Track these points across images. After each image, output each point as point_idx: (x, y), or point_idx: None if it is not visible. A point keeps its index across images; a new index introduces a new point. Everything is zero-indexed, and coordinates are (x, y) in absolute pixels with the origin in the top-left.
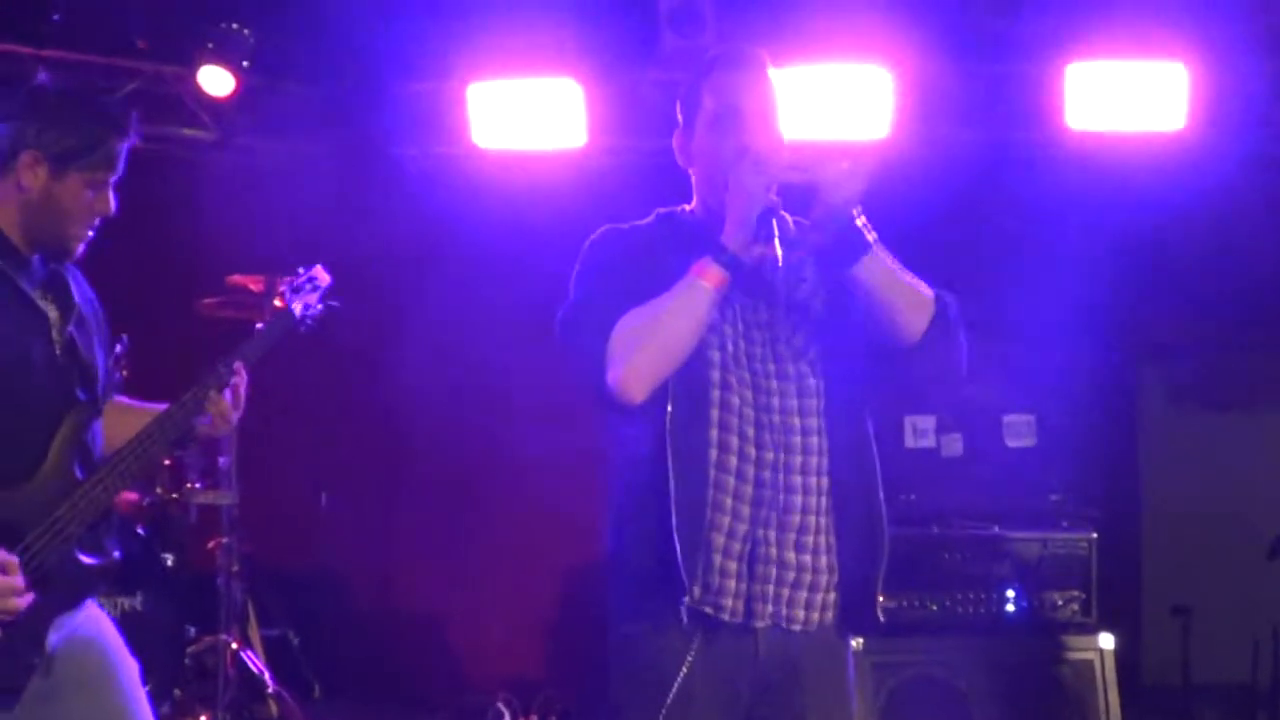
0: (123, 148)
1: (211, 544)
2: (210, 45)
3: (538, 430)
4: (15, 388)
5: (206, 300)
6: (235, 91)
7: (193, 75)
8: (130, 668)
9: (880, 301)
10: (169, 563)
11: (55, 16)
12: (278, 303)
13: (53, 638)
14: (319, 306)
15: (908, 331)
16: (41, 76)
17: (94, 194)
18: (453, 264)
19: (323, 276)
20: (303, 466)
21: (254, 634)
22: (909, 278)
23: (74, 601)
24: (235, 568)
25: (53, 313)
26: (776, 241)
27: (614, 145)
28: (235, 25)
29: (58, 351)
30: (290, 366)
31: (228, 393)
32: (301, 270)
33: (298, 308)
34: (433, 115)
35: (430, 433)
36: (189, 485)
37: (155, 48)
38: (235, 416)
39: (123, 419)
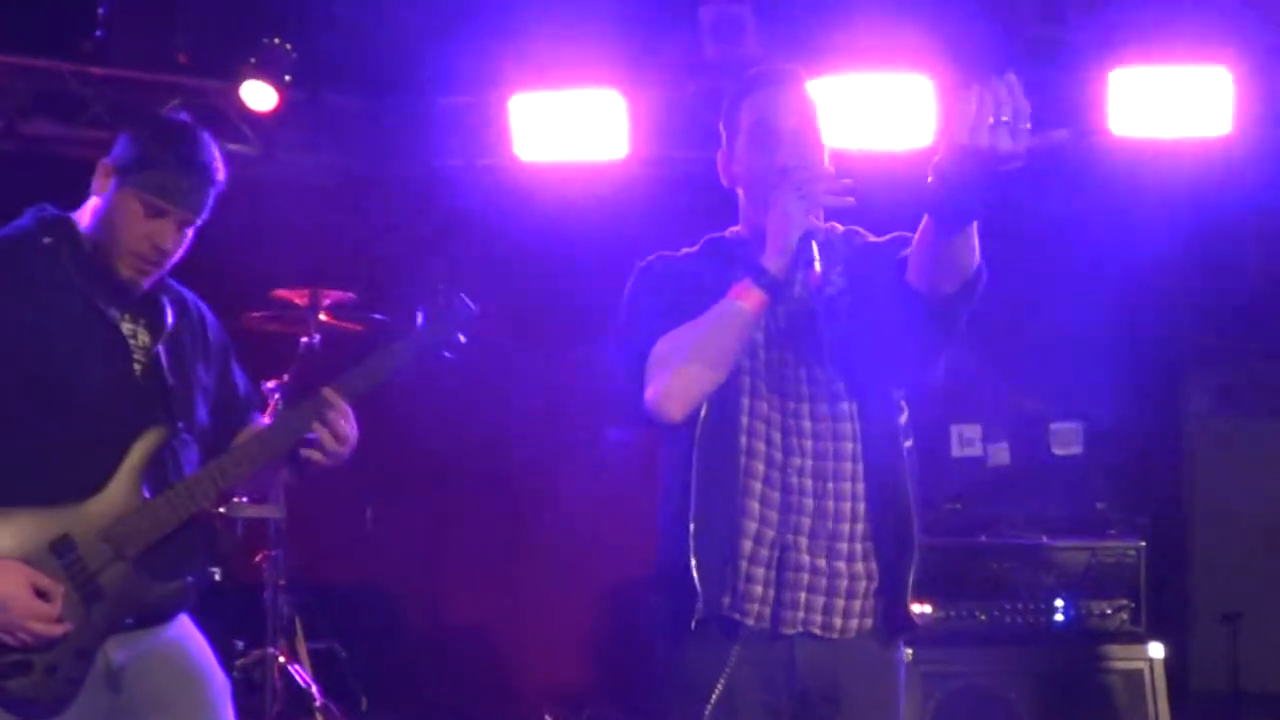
0: (189, 181)
1: (258, 557)
2: (253, 60)
3: (584, 444)
4: (80, 406)
5: (251, 314)
6: (278, 106)
7: (235, 90)
8: (220, 686)
9: (954, 254)
10: (216, 576)
11: (99, 33)
12: (408, 328)
13: (120, 655)
14: (461, 340)
15: (947, 284)
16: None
17: (149, 219)
18: (495, 275)
19: (466, 305)
20: (349, 481)
21: (301, 647)
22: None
23: (139, 621)
24: (282, 581)
25: (140, 335)
26: (817, 263)
27: (655, 156)
28: (277, 40)
29: (138, 372)
30: (333, 379)
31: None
32: (440, 295)
33: (431, 338)
34: (475, 127)
35: (476, 447)
36: (236, 499)
37: (198, 63)
38: (343, 444)
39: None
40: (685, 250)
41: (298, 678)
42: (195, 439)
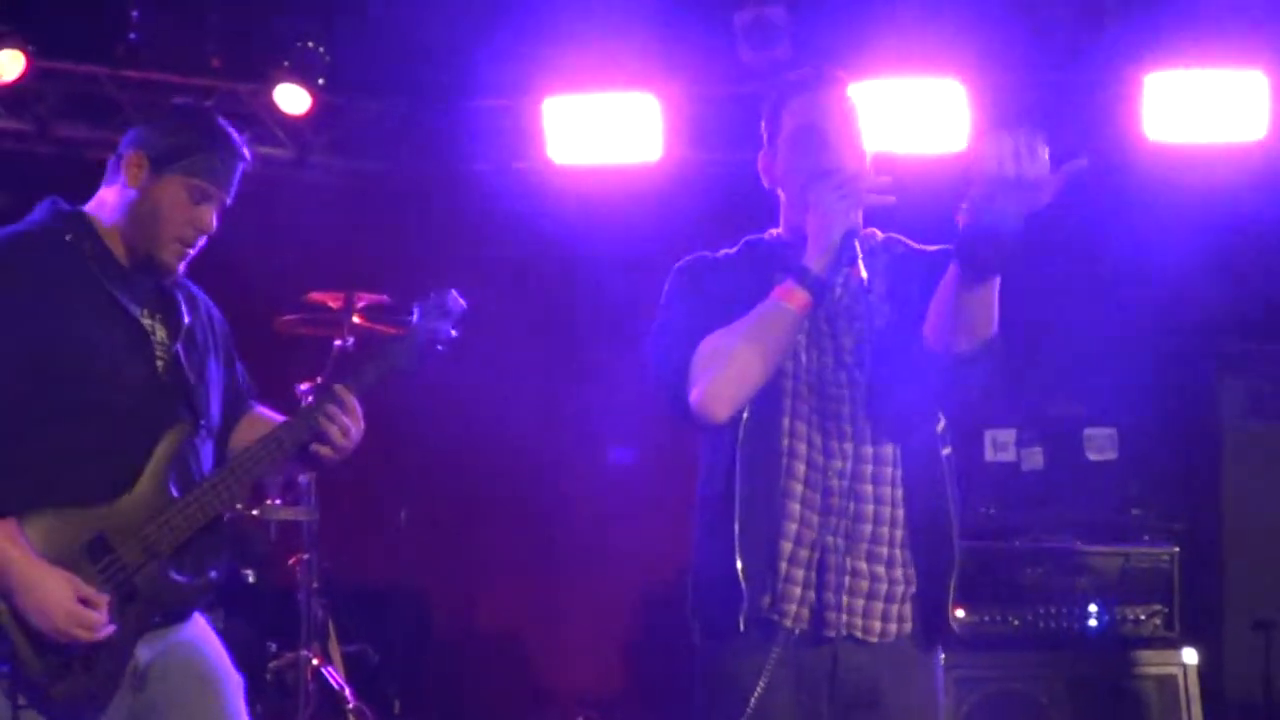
0: (229, 163)
1: (292, 560)
2: (286, 63)
3: (618, 446)
4: (111, 404)
5: (285, 317)
6: (311, 109)
7: (269, 93)
8: (234, 685)
9: (973, 312)
10: (250, 579)
11: (132, 35)
12: (405, 324)
13: (144, 653)
14: (451, 333)
15: (961, 343)
16: (177, 100)
17: (195, 204)
18: (529, 277)
19: (456, 301)
20: (383, 483)
21: (334, 650)
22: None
23: (164, 618)
24: (315, 584)
25: (159, 331)
26: (861, 264)
27: (689, 158)
28: (310, 43)
29: (160, 369)
30: (386, 381)
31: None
32: (433, 294)
33: (426, 334)
34: (509, 130)
35: (510, 450)
36: (269, 501)
37: (231, 66)
38: (351, 437)
39: (254, 432)
40: (724, 251)
41: (331, 680)
42: (211, 434)
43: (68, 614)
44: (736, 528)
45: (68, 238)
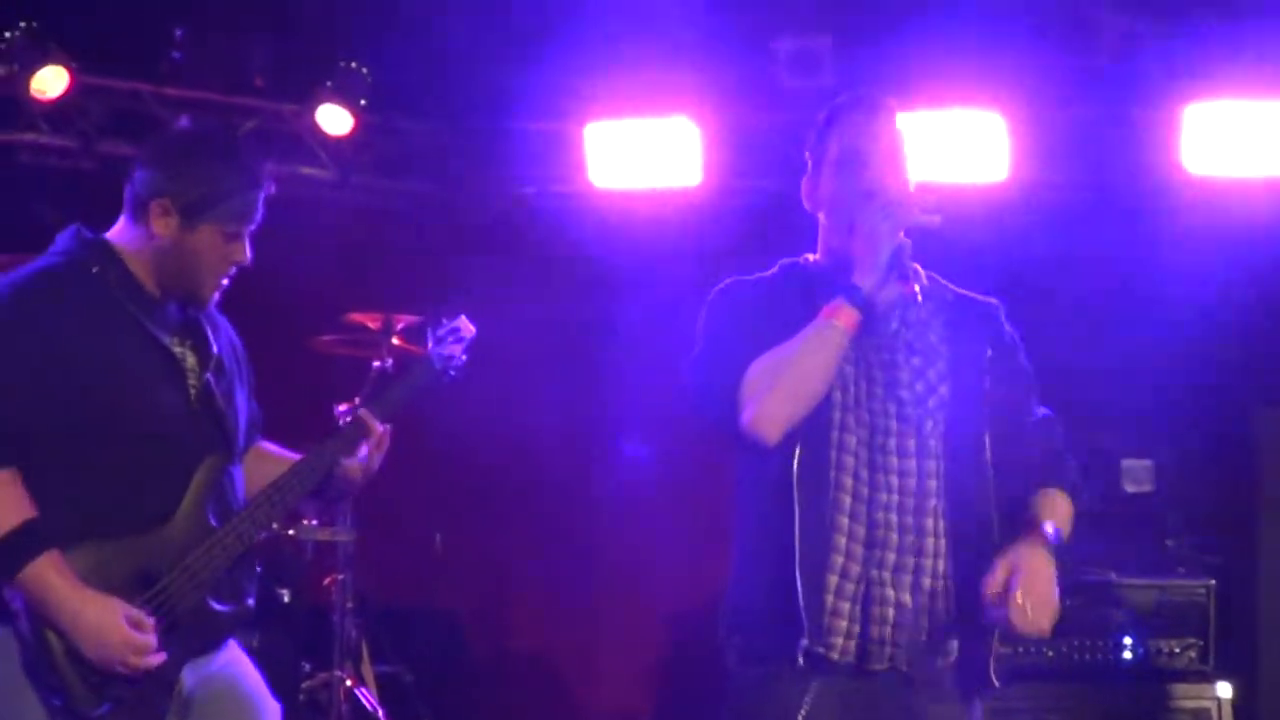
0: (258, 196)
1: (327, 581)
2: (329, 84)
3: (651, 470)
4: (148, 434)
5: (324, 337)
6: (353, 130)
7: (311, 114)
8: (272, 711)
9: None
10: (285, 599)
11: (176, 54)
12: (420, 351)
13: (187, 681)
14: (462, 358)
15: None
16: (182, 122)
17: (229, 243)
18: (568, 301)
19: (467, 327)
20: (418, 505)
21: (367, 671)
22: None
23: (206, 647)
24: (350, 605)
25: (189, 359)
26: (911, 278)
27: (728, 185)
28: (354, 64)
29: (192, 398)
30: (406, 405)
31: (364, 443)
32: (445, 320)
33: (440, 359)
34: (551, 154)
35: (544, 472)
36: (305, 522)
37: (274, 86)
38: (373, 465)
39: (261, 466)
40: (761, 275)
41: (364, 701)
42: (240, 462)
43: (120, 640)
44: (797, 562)
45: (94, 269)
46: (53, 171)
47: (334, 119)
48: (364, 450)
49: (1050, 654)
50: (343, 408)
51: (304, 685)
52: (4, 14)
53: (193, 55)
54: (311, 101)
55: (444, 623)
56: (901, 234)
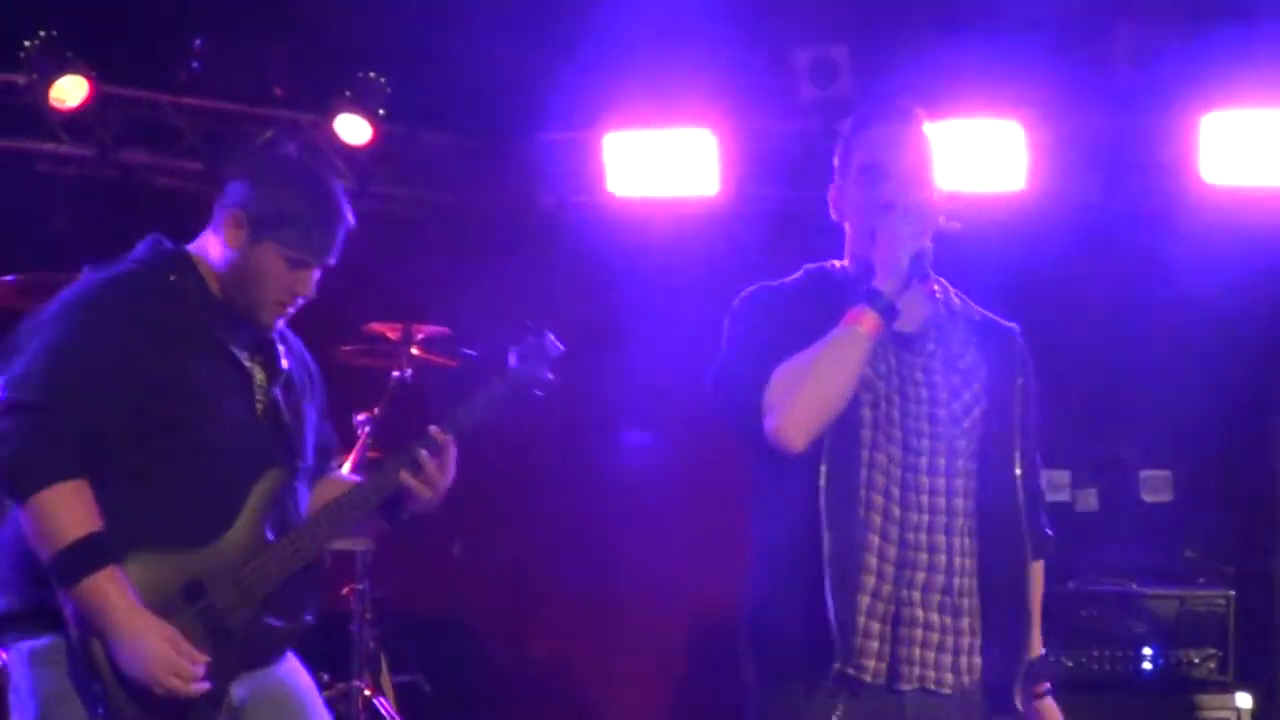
0: (329, 231)
1: (345, 590)
2: (347, 94)
3: (672, 480)
4: (212, 445)
5: (343, 347)
6: (372, 140)
7: (330, 123)
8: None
9: None
10: None
11: (195, 64)
12: (502, 367)
13: (239, 693)
14: (550, 376)
15: None
16: (279, 140)
17: (293, 270)
18: (587, 311)
19: (555, 345)
20: (438, 514)
21: (386, 681)
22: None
23: (259, 662)
24: (368, 614)
25: (259, 374)
26: (933, 279)
27: (747, 194)
28: (372, 74)
29: (259, 412)
30: (424, 414)
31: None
32: (530, 336)
33: (525, 377)
34: (570, 164)
35: (562, 483)
36: None
37: (292, 96)
38: (443, 485)
39: (328, 489)
40: (786, 280)
41: (382, 711)
42: (307, 478)
43: (164, 662)
44: (828, 582)
45: (172, 278)
46: (72, 180)
47: (353, 129)
48: (432, 468)
49: (1070, 664)
50: (361, 417)
51: (322, 695)
52: (24, 23)
53: (212, 65)
54: (330, 111)
55: (462, 632)
56: (926, 240)
